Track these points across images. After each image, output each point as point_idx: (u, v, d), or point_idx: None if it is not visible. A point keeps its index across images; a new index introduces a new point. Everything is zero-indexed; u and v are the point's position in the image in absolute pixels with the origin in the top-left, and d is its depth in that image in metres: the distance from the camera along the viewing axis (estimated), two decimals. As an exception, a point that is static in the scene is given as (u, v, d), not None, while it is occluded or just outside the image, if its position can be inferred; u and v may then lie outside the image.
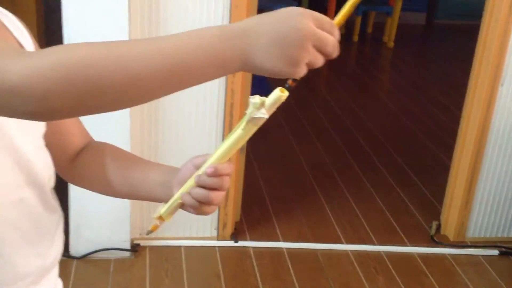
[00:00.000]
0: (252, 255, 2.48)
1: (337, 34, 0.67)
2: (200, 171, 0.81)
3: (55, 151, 0.92)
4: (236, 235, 2.55)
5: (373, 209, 2.91)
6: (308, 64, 0.65)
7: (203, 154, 0.84)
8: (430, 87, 4.78)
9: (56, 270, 0.99)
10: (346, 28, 6.05)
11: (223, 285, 2.30)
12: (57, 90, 0.57)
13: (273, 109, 0.71)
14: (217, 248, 2.49)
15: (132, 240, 2.41)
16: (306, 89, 4.38)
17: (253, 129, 0.76)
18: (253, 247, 2.52)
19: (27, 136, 0.82)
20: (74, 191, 2.22)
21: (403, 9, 5.88)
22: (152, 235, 2.46)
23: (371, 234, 2.70)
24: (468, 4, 6.34)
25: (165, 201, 0.86)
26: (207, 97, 2.28)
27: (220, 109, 2.30)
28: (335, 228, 2.73)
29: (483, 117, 2.50)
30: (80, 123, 0.98)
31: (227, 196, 2.47)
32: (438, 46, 6.18)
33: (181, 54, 0.61)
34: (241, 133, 0.77)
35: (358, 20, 5.87)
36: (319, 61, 0.65)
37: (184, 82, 0.63)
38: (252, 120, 0.73)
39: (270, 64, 0.63)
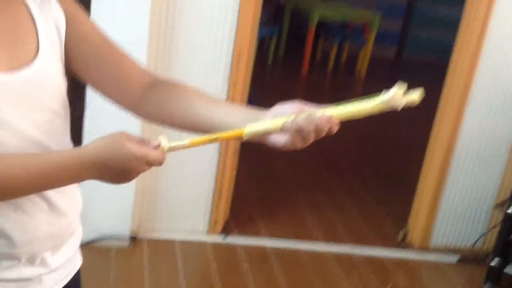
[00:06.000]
0: (240, 250, 2.73)
1: (159, 161, 0.91)
2: (315, 112, 0.90)
3: (120, 92, 1.05)
4: (226, 232, 2.80)
5: (347, 218, 3.19)
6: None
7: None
8: (399, 114, 5.14)
9: (75, 241, 1.10)
10: (322, 57, 6.43)
11: (214, 275, 2.54)
12: None
13: (404, 105, 0.89)
14: (207, 243, 2.74)
15: (131, 232, 2.63)
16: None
17: (379, 110, 0.90)
18: (241, 243, 2.77)
19: (29, 119, 0.93)
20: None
21: (376, 43, 6.29)
22: (149, 227, 2.68)
23: (346, 238, 2.98)
24: (435, 43, 6.79)
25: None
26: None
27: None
28: (314, 230, 3.01)
29: (449, 138, 2.82)
30: (136, 64, 1.07)
31: (219, 195, 2.72)
32: (406, 78, 6.59)
33: (53, 183, 0.92)
34: (368, 107, 0.90)
35: (334, 50, 6.24)
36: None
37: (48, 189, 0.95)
38: (389, 103, 0.89)
39: (110, 182, 0.93)
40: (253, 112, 0.97)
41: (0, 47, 0.90)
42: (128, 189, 2.54)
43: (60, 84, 0.99)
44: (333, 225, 3.08)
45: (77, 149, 0.92)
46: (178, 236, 2.72)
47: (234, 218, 2.93)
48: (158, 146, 0.91)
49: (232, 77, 2.51)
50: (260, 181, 3.46)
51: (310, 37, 5.89)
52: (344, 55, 6.54)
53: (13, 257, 0.96)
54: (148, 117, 1.07)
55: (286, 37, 6.41)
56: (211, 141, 0.94)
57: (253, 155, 3.61)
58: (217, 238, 2.76)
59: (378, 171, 3.85)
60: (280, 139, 0.92)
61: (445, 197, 2.94)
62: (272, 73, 6.13)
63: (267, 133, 0.92)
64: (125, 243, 2.60)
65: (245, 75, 2.54)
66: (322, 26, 6.27)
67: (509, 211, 2.54)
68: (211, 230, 2.76)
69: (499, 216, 2.85)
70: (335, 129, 0.92)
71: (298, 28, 6.44)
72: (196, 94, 1.04)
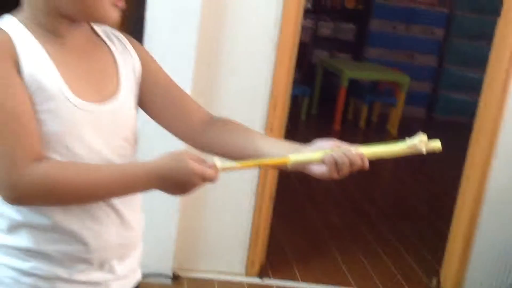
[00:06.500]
0: (276, 291, 2.84)
1: (213, 178, 1.06)
2: (349, 149, 1.07)
3: (181, 127, 1.23)
4: (262, 275, 2.91)
5: (380, 266, 3.27)
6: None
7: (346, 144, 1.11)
8: (429, 169, 5.24)
9: (138, 255, 1.24)
10: (354, 116, 6.61)
11: (252, 313, 2.65)
12: (32, 199, 1.04)
13: (427, 151, 1.08)
14: (245, 284, 2.85)
15: (173, 270, 2.77)
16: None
17: (405, 153, 1.07)
18: (277, 285, 2.88)
19: (106, 143, 1.11)
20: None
21: (406, 103, 6.45)
22: (190, 267, 2.80)
23: (379, 284, 3.06)
24: (465, 104, 6.92)
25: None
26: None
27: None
28: (349, 277, 3.10)
29: (478, 188, 2.92)
30: (196, 103, 1.26)
31: (256, 238, 2.85)
32: (436, 136, 6.70)
33: (124, 188, 1.08)
34: (395, 149, 1.07)
35: (365, 109, 6.43)
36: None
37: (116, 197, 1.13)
38: (413, 147, 1.08)
39: (170, 193, 1.09)
40: (295, 145, 1.16)
41: (92, 83, 1.11)
42: (170, 229, 2.70)
43: (133, 117, 1.18)
44: (367, 272, 3.16)
45: (147, 162, 1.08)
46: (217, 276, 2.84)
47: (270, 264, 3.04)
48: (213, 166, 1.07)
49: (268, 123, 2.69)
50: (294, 230, 3.58)
51: (342, 96, 6.09)
52: (375, 114, 6.71)
53: (86, 262, 1.12)
54: (206, 149, 1.23)
55: (318, 95, 6.63)
56: (259, 165, 1.13)
57: (287, 205, 3.77)
58: (253, 280, 2.88)
59: (408, 219, 3.97)
60: (319, 169, 1.09)
61: (476, 246, 3.01)
62: (306, 129, 6.31)
63: (309, 163, 1.10)
64: (168, 281, 2.73)
65: (281, 122, 2.72)
66: (353, 85, 6.48)
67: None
68: (248, 272, 2.88)
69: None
70: (366, 165, 1.09)
71: (330, 88, 6.67)
72: (250, 130, 1.23)
